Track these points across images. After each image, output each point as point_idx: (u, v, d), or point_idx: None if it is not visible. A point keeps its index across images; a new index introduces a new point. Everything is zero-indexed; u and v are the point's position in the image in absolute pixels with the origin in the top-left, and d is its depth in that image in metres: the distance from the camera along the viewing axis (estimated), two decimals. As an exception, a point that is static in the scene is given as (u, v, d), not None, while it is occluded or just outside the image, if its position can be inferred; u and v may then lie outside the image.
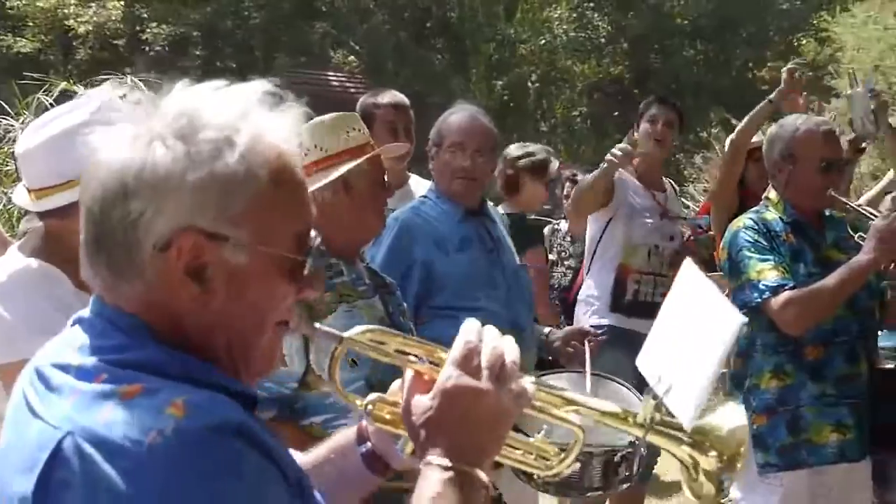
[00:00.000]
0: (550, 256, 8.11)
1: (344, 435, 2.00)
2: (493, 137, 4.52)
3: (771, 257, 4.31)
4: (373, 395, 1.86)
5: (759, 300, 4.24)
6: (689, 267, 3.84)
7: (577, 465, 3.72)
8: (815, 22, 23.89)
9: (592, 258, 6.23)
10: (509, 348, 1.70)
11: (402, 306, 3.68)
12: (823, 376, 4.32)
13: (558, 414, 1.89)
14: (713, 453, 2.01)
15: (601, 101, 29.93)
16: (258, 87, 1.59)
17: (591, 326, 5.36)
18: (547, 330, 4.64)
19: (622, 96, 28.82)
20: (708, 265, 5.78)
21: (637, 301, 6.02)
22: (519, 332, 3.59)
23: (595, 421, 1.98)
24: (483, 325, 1.75)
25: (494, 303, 4.25)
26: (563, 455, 1.90)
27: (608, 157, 5.72)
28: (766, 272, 4.27)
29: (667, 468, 7.04)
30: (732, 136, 6.25)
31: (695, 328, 3.96)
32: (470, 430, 1.63)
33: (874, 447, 4.43)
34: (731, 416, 2.08)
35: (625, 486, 3.81)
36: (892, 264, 4.29)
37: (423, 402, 1.66)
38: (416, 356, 1.80)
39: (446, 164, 4.43)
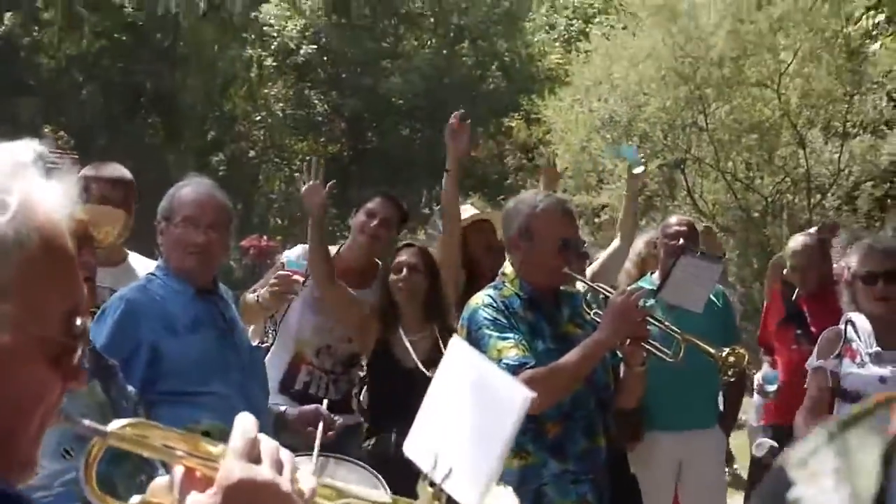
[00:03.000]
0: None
1: None
2: (227, 212, 4.30)
3: (511, 335, 4.29)
4: (136, 498, 1.64)
5: (501, 379, 4.19)
6: (458, 344, 3.72)
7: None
8: (524, 104, 24.79)
9: (276, 333, 5.79)
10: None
11: (127, 390, 3.41)
12: (565, 453, 4.32)
13: None
14: None
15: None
16: (30, 147, 1.42)
17: None
18: (283, 408, 4.55)
19: (340, 174, 29.01)
20: None
21: (307, 393, 5.60)
22: (256, 414, 3.40)
23: None
24: (217, 408, 1.66)
25: (228, 386, 4.02)
26: None
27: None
28: (506, 350, 4.23)
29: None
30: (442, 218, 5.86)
31: (473, 407, 3.84)
32: None
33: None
34: (501, 499, 2.11)
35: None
36: (627, 340, 4.32)
37: (201, 500, 1.51)
38: (181, 451, 1.62)
39: (178, 239, 4.15)
